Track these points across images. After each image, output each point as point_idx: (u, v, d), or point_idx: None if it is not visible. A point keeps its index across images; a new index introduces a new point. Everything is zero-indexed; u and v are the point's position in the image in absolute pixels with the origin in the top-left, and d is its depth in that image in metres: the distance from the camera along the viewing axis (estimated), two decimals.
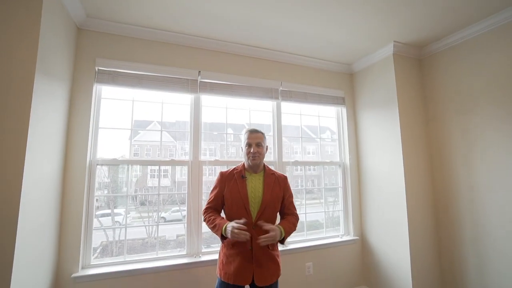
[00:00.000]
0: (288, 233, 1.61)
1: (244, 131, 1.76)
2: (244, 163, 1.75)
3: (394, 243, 2.62)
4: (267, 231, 1.52)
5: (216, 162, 2.60)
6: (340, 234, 3.01)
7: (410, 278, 2.44)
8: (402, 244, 2.52)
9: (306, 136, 3.16)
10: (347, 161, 3.10)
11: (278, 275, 1.62)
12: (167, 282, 2.20)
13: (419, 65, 2.85)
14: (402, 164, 2.55)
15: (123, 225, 2.33)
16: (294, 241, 2.76)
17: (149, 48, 2.41)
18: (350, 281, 2.91)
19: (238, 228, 1.44)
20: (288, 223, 1.65)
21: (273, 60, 2.87)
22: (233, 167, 1.77)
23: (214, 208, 1.69)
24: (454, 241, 2.49)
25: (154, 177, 2.58)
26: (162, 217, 2.93)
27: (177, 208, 2.60)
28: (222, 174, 1.73)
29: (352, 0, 2.00)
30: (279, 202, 1.68)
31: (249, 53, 2.75)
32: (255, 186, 1.65)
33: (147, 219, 2.52)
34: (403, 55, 2.75)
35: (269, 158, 2.83)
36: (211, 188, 1.74)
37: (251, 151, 1.66)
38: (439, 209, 2.63)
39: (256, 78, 2.77)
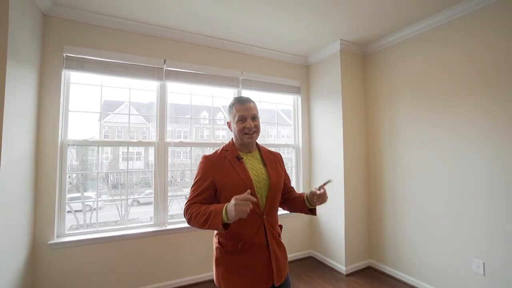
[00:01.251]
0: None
1: (230, 102, 1.34)
2: (231, 143, 1.34)
3: (334, 214, 3.12)
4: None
5: (181, 144, 2.89)
6: None
7: (344, 242, 2.97)
8: (339, 214, 3.03)
9: (265, 121, 3.52)
10: (300, 144, 3.52)
11: (288, 267, 1.35)
12: (136, 247, 2.52)
13: (363, 61, 3.27)
14: (342, 147, 3.00)
15: (94, 208, 2.56)
16: None
17: (117, 37, 2.57)
18: (300, 247, 3.41)
19: (243, 199, 1.02)
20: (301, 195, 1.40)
21: (235, 51, 3.14)
22: (217, 149, 1.35)
23: (200, 203, 1.21)
24: (380, 212, 3.03)
25: (127, 160, 2.72)
26: (136, 200, 3.14)
27: (151, 191, 2.76)
28: (208, 158, 1.28)
29: (304, 3, 2.31)
30: (282, 184, 1.36)
31: (213, 44, 2.99)
32: (255, 168, 1.29)
33: (119, 202, 2.68)
34: (349, 52, 3.14)
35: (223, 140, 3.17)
36: (194, 179, 1.27)
37: (247, 126, 1.26)
38: (370, 186, 3.15)
39: (219, 68, 3.04)
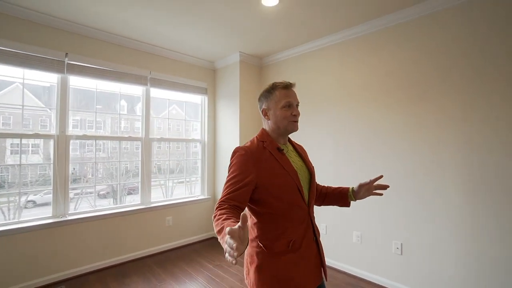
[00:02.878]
0: None
1: (269, 87, 1.19)
2: (265, 133, 1.19)
3: None
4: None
5: (85, 137, 2.96)
6: (197, 194, 3.93)
7: None
8: None
9: (174, 118, 3.83)
10: (206, 139, 3.99)
11: None
12: (29, 241, 2.53)
13: (259, 71, 3.92)
14: (238, 143, 3.60)
15: None
16: (157, 201, 3.48)
17: (11, 24, 2.47)
18: (204, 228, 3.90)
19: (230, 234, 0.69)
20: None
21: (143, 51, 3.34)
22: (250, 140, 1.20)
23: (236, 201, 1.00)
24: None
25: (19, 153, 2.48)
26: (31, 201, 2.69)
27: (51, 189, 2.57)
28: (248, 151, 1.09)
29: (206, 19, 2.72)
30: None
31: (120, 42, 3.13)
32: (294, 160, 1.19)
33: (7, 204, 2.36)
34: (247, 62, 3.74)
35: (138, 134, 3.38)
36: (229, 175, 1.07)
37: (293, 113, 1.14)
38: None
39: (127, 66, 3.19)
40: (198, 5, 2.42)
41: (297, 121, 1.15)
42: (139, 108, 3.44)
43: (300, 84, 3.38)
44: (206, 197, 3.92)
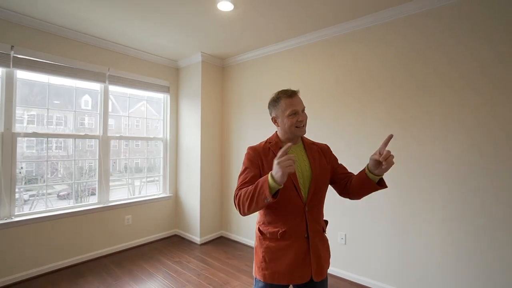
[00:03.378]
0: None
1: (275, 95, 1.30)
2: (276, 136, 1.34)
3: (192, 196, 3.76)
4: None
5: (35, 134, 2.83)
6: (158, 192, 3.93)
7: (199, 218, 3.66)
8: (196, 196, 3.69)
9: (135, 116, 3.78)
10: (168, 137, 3.99)
11: (329, 263, 1.32)
12: None
13: (222, 72, 4.00)
14: (200, 141, 3.66)
15: None
16: (115, 200, 3.44)
17: None
18: (166, 226, 3.91)
19: (283, 155, 1.00)
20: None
21: (101, 47, 3.26)
22: (261, 142, 1.35)
23: (250, 185, 1.19)
24: (229, 193, 3.88)
25: None
26: None
27: None
28: (254, 149, 1.29)
29: (167, 18, 2.73)
30: (328, 177, 1.32)
31: (77, 38, 3.02)
32: (298, 160, 1.28)
33: None
34: (209, 63, 3.80)
35: (95, 132, 3.30)
36: (241, 170, 1.27)
37: (299, 119, 1.24)
38: (223, 172, 3.96)
39: (83, 61, 3.10)
40: (158, 3, 2.44)
41: (303, 126, 1.26)
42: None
43: (262, 85, 3.52)
44: (167, 195, 3.93)
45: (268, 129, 3.40)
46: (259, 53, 3.52)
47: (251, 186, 1.11)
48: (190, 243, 3.70)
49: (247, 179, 1.20)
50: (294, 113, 1.23)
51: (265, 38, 3.13)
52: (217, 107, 3.92)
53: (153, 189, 3.92)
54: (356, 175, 1.25)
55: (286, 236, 1.19)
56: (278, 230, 1.20)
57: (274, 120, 1.31)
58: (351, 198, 1.32)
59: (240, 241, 3.71)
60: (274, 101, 1.29)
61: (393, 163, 1.07)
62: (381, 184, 1.18)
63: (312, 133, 2.98)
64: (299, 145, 1.33)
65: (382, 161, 1.06)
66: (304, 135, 1.41)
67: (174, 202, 4.04)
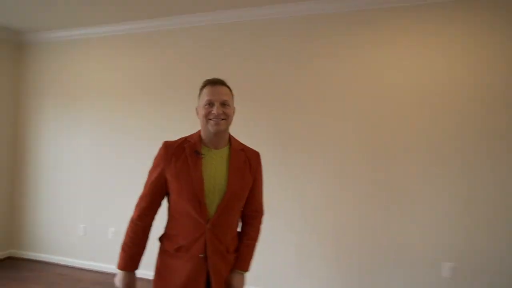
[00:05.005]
0: (249, 268, 1.18)
1: (202, 84, 1.13)
2: (198, 134, 1.13)
3: None
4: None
5: None
6: None
7: None
8: None
9: None
10: None
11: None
12: None
13: (18, 51, 3.10)
14: None
15: None
16: None
17: None
18: None
19: None
20: (249, 251, 1.19)
21: None
22: (184, 136, 1.15)
23: (149, 208, 1.10)
24: (23, 204, 3.16)
25: None
26: None
27: None
28: (167, 146, 1.10)
29: None
30: (246, 194, 1.16)
31: None
32: (216, 168, 1.08)
33: None
34: None
35: None
36: (149, 172, 1.13)
37: (212, 111, 1.04)
38: (14, 185, 3.20)
39: None
40: None
41: (218, 121, 1.04)
42: None
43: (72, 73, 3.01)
44: None
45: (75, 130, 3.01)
46: (76, 34, 2.92)
47: (127, 240, 1.09)
48: None
49: (148, 188, 1.10)
50: (209, 104, 1.05)
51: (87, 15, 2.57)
52: (8, 98, 3.04)
53: None
54: (243, 250, 1.18)
55: (181, 252, 1.06)
56: (177, 245, 1.07)
57: (197, 112, 1.14)
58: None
59: (39, 258, 3.10)
60: (200, 90, 1.13)
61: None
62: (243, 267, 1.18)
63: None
64: (223, 150, 1.13)
65: None
66: (236, 138, 1.21)
67: None
